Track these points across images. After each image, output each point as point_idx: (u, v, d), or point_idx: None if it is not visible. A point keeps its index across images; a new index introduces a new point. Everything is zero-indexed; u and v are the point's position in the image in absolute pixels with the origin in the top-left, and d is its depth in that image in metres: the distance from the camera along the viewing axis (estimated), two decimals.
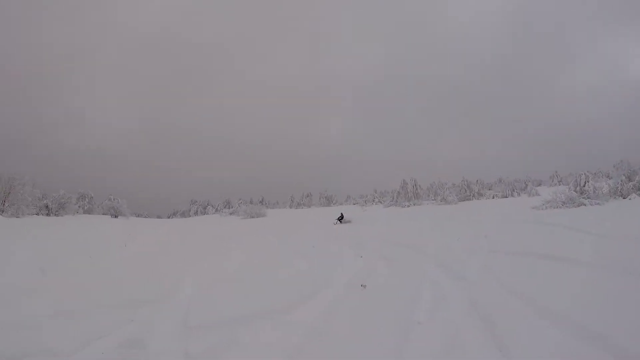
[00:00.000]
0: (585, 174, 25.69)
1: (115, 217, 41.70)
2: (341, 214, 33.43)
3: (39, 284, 8.01)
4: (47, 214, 36.98)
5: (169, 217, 74.84)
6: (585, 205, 22.64)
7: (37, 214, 35.56)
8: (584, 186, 24.86)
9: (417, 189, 60.56)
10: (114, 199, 47.63)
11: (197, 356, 4.69)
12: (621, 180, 25.67)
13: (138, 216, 54.49)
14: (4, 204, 32.85)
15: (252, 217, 41.38)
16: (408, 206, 49.45)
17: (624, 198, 24.00)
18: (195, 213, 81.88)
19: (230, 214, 55.53)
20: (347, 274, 9.22)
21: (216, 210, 79.74)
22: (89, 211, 48.37)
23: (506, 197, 53.16)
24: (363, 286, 7.92)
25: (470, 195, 55.30)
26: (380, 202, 61.47)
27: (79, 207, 47.27)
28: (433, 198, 57.74)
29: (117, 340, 5.14)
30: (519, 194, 53.26)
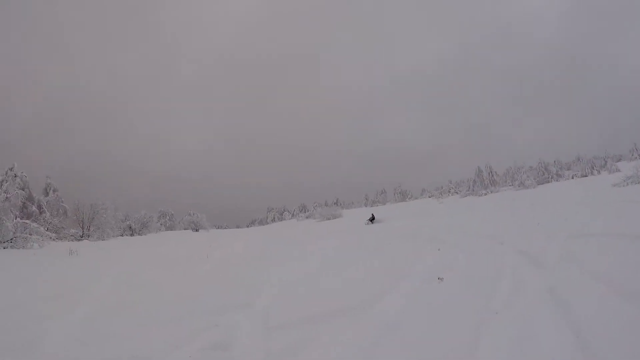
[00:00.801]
0: None
1: (196, 230, 43.23)
2: (372, 214, 33.32)
3: (127, 297, 8.49)
4: (131, 234, 38.89)
5: (247, 226, 76.64)
6: None
7: (122, 235, 37.52)
8: None
9: (493, 176, 58.95)
10: (193, 214, 49.37)
11: (277, 354, 4.84)
12: None
13: (218, 228, 56.19)
14: (89, 229, 34.93)
15: (328, 218, 41.62)
16: (485, 194, 48.27)
17: None
18: (273, 220, 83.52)
19: (307, 217, 56.28)
20: (423, 268, 9.15)
21: (292, 215, 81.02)
22: (170, 228, 50.49)
23: (585, 175, 50.54)
24: (440, 279, 7.81)
25: (548, 177, 53.21)
26: (457, 193, 60.24)
27: (161, 224, 49.44)
28: (510, 183, 55.97)
29: (202, 344, 5.38)
30: (598, 172, 50.40)
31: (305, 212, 70.91)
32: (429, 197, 64.08)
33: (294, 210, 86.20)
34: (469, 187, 57.89)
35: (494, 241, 11.63)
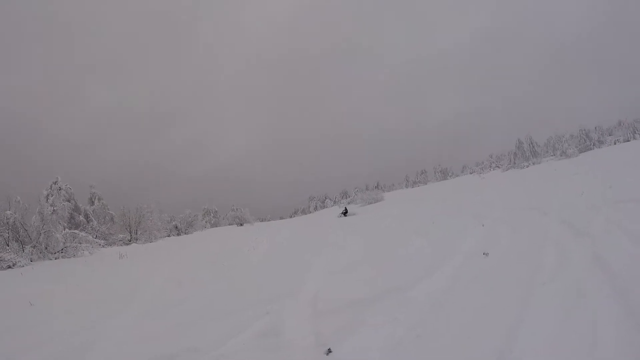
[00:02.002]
0: None
1: (241, 225, 43.76)
2: (345, 208, 33.22)
3: (178, 294, 8.69)
4: (178, 234, 39.68)
5: (290, 217, 77.15)
6: None
7: (169, 236, 38.35)
8: None
9: (534, 147, 57.61)
10: (237, 209, 49.94)
11: (327, 337, 4.92)
12: None
13: (262, 221, 56.64)
14: (137, 233, 35.88)
15: (370, 202, 41.52)
16: (527, 166, 47.21)
17: None
18: (315, 208, 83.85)
19: (349, 203, 56.18)
20: (468, 245, 9.16)
21: (334, 202, 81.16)
22: (215, 224, 51.23)
23: (628, 140, 48.84)
24: (485, 254, 7.80)
25: (590, 145, 51.76)
26: (498, 167, 59.17)
27: (206, 222, 50.23)
28: (552, 153, 54.67)
29: (255, 332, 5.50)
30: None
31: (346, 198, 70.94)
32: (470, 173, 63.15)
33: (335, 197, 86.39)
34: (510, 160, 56.82)
35: (538, 213, 11.52)
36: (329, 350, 4.55)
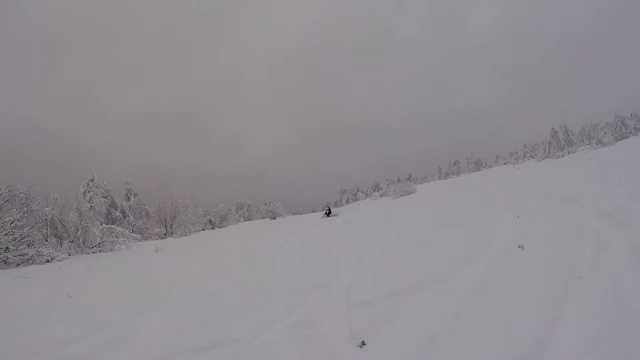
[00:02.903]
0: None
1: (274, 218, 44.12)
2: (329, 207, 32.85)
3: (214, 286, 8.83)
4: (212, 228, 40.21)
5: (322, 210, 77.18)
6: None
7: (203, 229, 38.91)
8: None
9: (569, 136, 56.42)
10: (269, 203, 50.37)
11: (361, 329, 4.95)
12: None
13: (294, 214, 56.92)
14: (172, 227, 36.53)
15: (402, 195, 41.19)
16: (562, 156, 46.16)
17: None
18: (347, 201, 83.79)
19: (380, 196, 56.10)
20: (503, 237, 8.98)
21: (366, 195, 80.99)
22: (248, 218, 51.82)
23: None
24: (520, 247, 7.64)
25: (626, 132, 50.30)
26: (532, 157, 58.03)
27: (239, 216, 50.78)
28: (587, 142, 53.39)
29: (290, 323, 5.57)
30: None
31: (378, 191, 70.58)
32: (504, 163, 61.95)
33: (367, 190, 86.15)
34: (545, 150, 55.74)
35: (575, 204, 11.20)
36: (363, 343, 4.55)
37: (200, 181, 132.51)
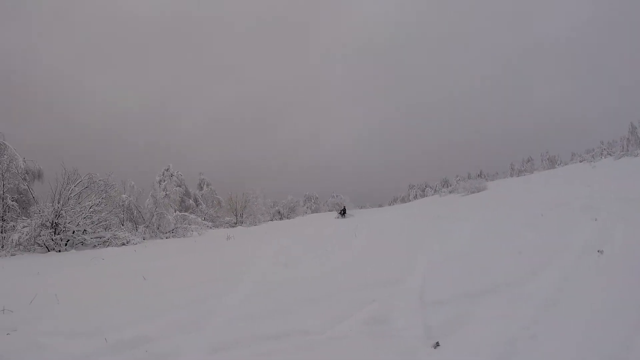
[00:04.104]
0: None
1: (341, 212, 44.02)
2: (344, 207, 31.91)
3: (284, 276, 8.81)
4: (280, 218, 40.87)
5: (389, 204, 76.60)
6: None
7: (272, 220, 39.57)
8: None
9: None
10: (336, 196, 50.53)
11: (436, 328, 4.82)
12: None
13: (360, 208, 56.73)
14: (242, 216, 37.41)
15: (472, 192, 40.00)
16: None
17: None
18: (415, 197, 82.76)
19: (450, 192, 54.83)
20: (580, 240, 8.60)
21: (435, 190, 79.65)
22: (315, 210, 52.17)
23: None
24: (600, 252, 7.24)
25: None
26: (610, 154, 54.95)
27: (307, 208, 51.14)
28: None
29: (362, 318, 5.45)
30: None
31: (447, 187, 69.14)
32: (580, 161, 58.88)
33: (436, 186, 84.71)
34: (623, 147, 52.69)
35: None
36: (437, 344, 4.41)
37: (273, 174, 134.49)
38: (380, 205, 71.91)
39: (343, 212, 33.03)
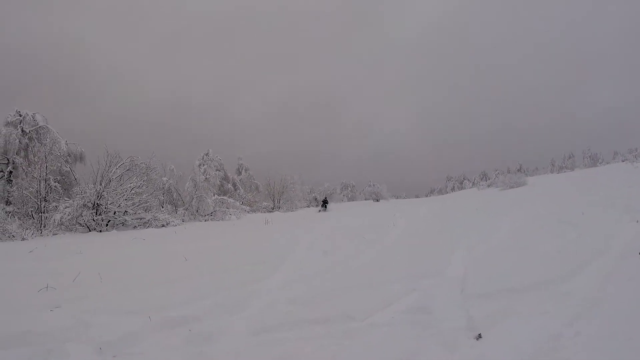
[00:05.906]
0: None
1: (377, 201, 44.11)
2: (325, 197, 31.24)
3: (323, 263, 8.86)
4: (316, 205, 40.94)
5: (426, 196, 75.98)
6: None
7: (308, 207, 39.80)
8: None
9: None
10: (373, 185, 50.39)
11: (479, 321, 4.77)
12: None
13: (397, 198, 56.49)
14: (279, 202, 37.81)
15: (512, 187, 39.18)
16: None
17: None
18: (452, 189, 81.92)
19: (488, 186, 54.02)
20: (621, 241, 8.28)
21: (473, 183, 78.62)
22: (352, 198, 52.19)
23: None
24: None
25: None
26: None
27: (343, 195, 51.11)
28: None
29: (404, 306, 5.49)
30: None
31: (486, 180, 68.12)
32: (622, 160, 56.96)
33: (474, 179, 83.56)
34: None
35: None
36: (480, 336, 4.38)
37: (324, 164, 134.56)
38: (416, 196, 71.42)
39: (324, 205, 32.63)
